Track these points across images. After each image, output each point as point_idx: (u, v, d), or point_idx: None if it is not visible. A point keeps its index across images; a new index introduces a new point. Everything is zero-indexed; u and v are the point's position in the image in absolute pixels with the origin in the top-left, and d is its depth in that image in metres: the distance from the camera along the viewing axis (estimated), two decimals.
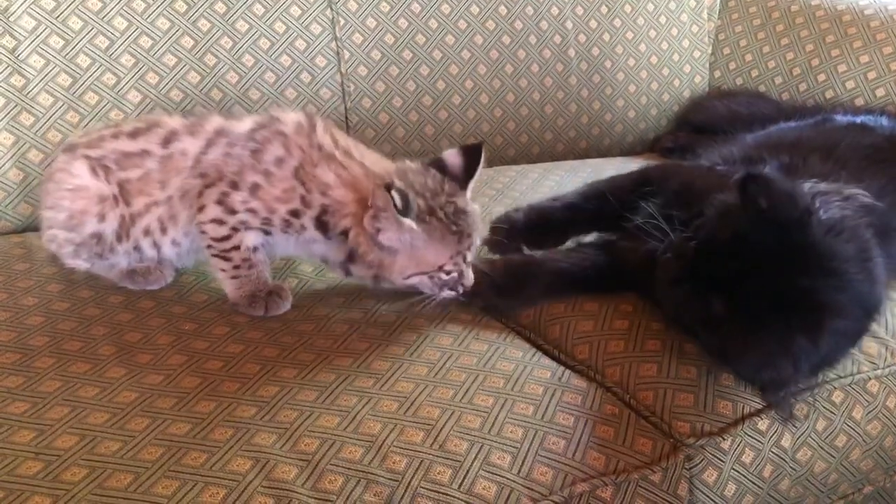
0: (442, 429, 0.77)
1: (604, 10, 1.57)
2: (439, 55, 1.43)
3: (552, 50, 1.52)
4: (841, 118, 1.26)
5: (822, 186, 0.89)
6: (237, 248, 0.95)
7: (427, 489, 0.72)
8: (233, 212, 0.93)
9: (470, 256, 0.92)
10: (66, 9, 1.18)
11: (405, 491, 0.71)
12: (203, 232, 0.95)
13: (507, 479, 0.74)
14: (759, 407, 0.86)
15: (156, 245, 0.98)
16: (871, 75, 1.50)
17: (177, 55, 1.24)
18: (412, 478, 0.72)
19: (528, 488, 0.74)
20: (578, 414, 0.82)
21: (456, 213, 0.90)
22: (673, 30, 1.64)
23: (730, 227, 0.83)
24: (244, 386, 0.81)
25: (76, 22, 1.19)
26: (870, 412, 0.92)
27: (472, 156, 0.93)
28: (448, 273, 0.92)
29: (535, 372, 0.87)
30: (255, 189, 0.93)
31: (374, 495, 0.70)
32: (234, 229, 0.94)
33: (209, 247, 0.96)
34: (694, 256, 0.84)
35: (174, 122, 0.97)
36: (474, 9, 1.45)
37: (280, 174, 0.93)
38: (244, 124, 0.96)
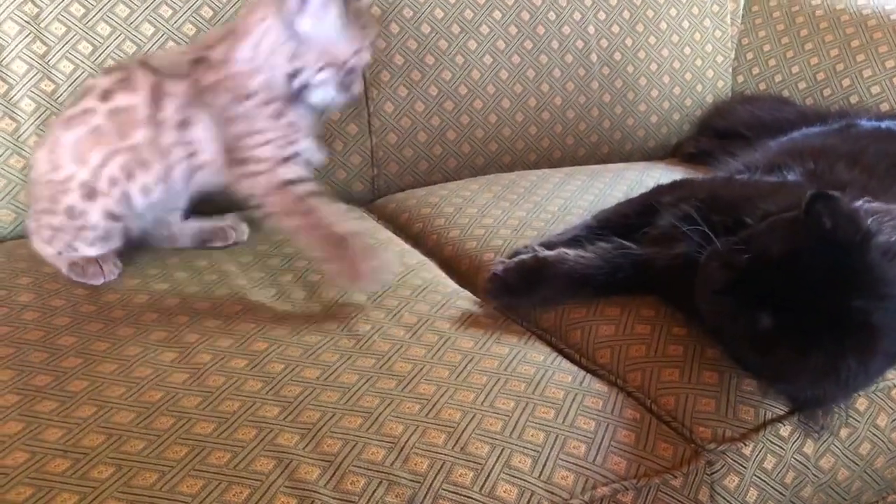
0: (463, 431, 0.78)
1: (626, 15, 1.57)
2: (462, 60, 1.43)
3: (574, 55, 1.53)
4: (866, 124, 1.25)
5: (875, 206, 0.89)
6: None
7: (449, 491, 0.72)
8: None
9: (366, 60, 1.01)
10: (94, 15, 1.20)
11: (427, 492, 0.72)
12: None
13: (529, 482, 0.74)
14: (781, 413, 0.85)
15: (125, 196, 1.00)
16: None
17: None
18: (434, 479, 0.73)
19: (549, 492, 0.74)
20: (599, 418, 0.82)
21: (359, 11, 0.98)
22: (696, 35, 1.64)
23: (785, 242, 0.83)
24: (267, 385, 0.82)
25: (104, 28, 1.21)
26: (894, 420, 0.91)
27: None
28: (351, 70, 0.98)
29: (557, 376, 0.87)
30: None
31: (396, 496, 0.71)
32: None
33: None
34: (743, 269, 0.83)
35: (101, 81, 1.00)
36: (496, 14, 1.46)
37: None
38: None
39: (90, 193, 0.99)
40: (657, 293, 0.98)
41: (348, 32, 0.96)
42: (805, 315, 0.79)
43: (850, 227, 0.81)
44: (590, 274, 0.98)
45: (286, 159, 0.97)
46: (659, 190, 1.13)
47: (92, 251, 1.02)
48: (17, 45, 1.16)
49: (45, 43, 1.18)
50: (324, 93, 0.99)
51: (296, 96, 0.97)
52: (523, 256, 1.01)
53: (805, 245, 0.81)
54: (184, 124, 0.98)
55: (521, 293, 0.99)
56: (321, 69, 0.96)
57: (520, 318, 1.02)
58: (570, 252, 0.99)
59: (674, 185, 1.14)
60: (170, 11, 1.24)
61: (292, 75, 0.96)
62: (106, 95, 0.98)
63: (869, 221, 0.82)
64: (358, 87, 1.01)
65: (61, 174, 0.99)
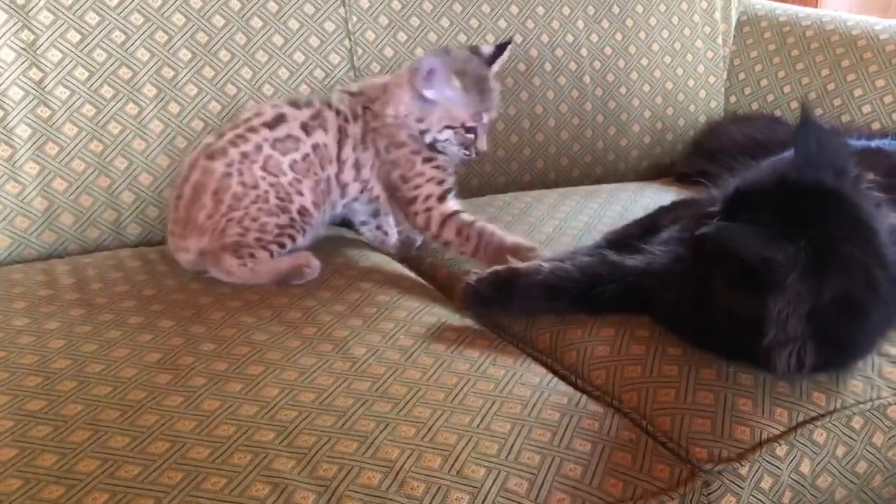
0: (459, 454, 0.78)
1: (618, 37, 1.58)
2: None
3: (567, 77, 1.54)
4: (855, 143, 1.26)
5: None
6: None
7: None
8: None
9: (486, 122, 1.14)
10: (91, 41, 1.21)
11: None
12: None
13: None
14: (777, 433, 0.85)
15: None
16: (888, 99, 1.50)
17: (198, 85, 1.27)
18: None
19: None
20: (595, 440, 0.82)
21: (480, 79, 1.12)
22: (688, 56, 1.65)
23: (776, 173, 0.88)
24: (262, 410, 0.82)
25: (101, 54, 1.22)
26: (890, 438, 0.91)
27: (500, 48, 1.17)
28: (468, 130, 1.12)
29: (552, 397, 0.87)
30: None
31: None
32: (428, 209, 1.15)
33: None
34: (736, 193, 0.87)
35: (291, 111, 1.12)
36: (490, 37, 1.47)
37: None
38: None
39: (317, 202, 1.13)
40: (641, 308, 0.98)
41: (467, 99, 1.11)
42: (777, 231, 0.81)
43: (834, 155, 0.84)
44: (564, 286, 0.99)
45: (444, 194, 1.15)
46: (661, 209, 1.15)
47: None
48: (13, 72, 1.17)
49: (41, 69, 1.19)
50: (447, 148, 1.14)
51: (432, 148, 1.14)
52: (497, 267, 1.02)
53: (791, 170, 0.85)
54: (357, 164, 1.14)
55: (495, 303, 1.01)
56: (443, 129, 1.11)
57: (515, 340, 1.03)
58: (546, 264, 1.00)
59: (675, 204, 1.15)
60: (165, 37, 1.25)
61: (422, 132, 1.12)
62: (307, 129, 1.11)
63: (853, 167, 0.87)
64: (482, 145, 1.14)
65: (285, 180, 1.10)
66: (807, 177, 0.86)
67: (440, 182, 1.15)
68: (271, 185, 1.08)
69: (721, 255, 0.84)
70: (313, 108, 1.12)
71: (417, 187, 1.14)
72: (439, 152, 1.14)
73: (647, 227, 1.11)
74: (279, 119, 1.10)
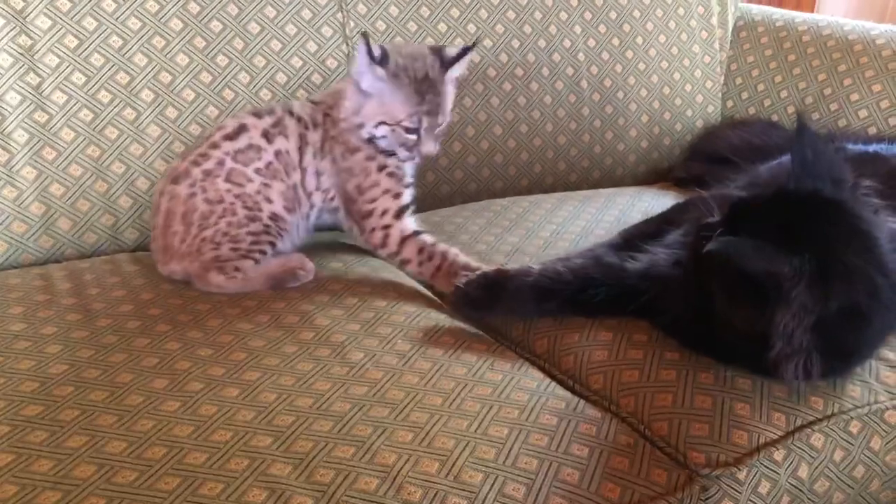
0: (457, 460, 0.77)
1: (615, 42, 1.59)
2: None
3: (564, 81, 1.54)
4: (853, 147, 1.26)
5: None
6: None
7: None
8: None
9: (427, 124, 1.07)
10: (88, 46, 1.21)
11: None
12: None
13: None
14: (775, 437, 0.85)
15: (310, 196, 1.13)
16: (884, 104, 1.50)
17: (196, 90, 1.27)
18: None
19: None
20: (593, 445, 0.82)
21: (424, 80, 1.06)
22: (685, 60, 1.66)
23: (775, 183, 0.90)
24: (260, 415, 0.82)
25: (98, 59, 1.22)
26: (888, 443, 0.91)
27: (464, 50, 1.11)
28: (407, 130, 1.07)
29: (550, 402, 0.87)
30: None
31: None
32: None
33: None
34: (736, 207, 0.88)
35: (252, 120, 1.10)
36: (487, 42, 1.47)
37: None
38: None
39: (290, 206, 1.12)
40: (636, 311, 0.98)
41: (402, 96, 1.06)
42: (777, 239, 0.81)
43: (829, 164, 0.85)
44: (555, 288, 0.99)
45: (401, 211, 1.11)
46: (674, 208, 1.15)
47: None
48: (10, 77, 1.17)
49: (38, 74, 1.19)
50: (386, 145, 1.09)
51: (373, 146, 1.09)
52: (486, 269, 1.02)
53: (789, 180, 0.86)
54: (317, 173, 1.11)
55: (484, 305, 1.01)
56: (378, 125, 1.07)
57: (513, 344, 1.03)
58: (537, 266, 1.00)
59: (688, 203, 1.16)
60: (163, 42, 1.25)
61: (359, 126, 1.08)
62: (268, 136, 1.09)
63: (849, 176, 0.88)
64: (426, 148, 1.08)
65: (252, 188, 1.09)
66: (805, 187, 0.86)
67: (396, 196, 1.11)
68: (237, 196, 1.07)
69: (725, 269, 0.84)
70: (275, 115, 1.11)
71: (373, 200, 1.11)
72: (391, 154, 1.10)
73: (660, 226, 1.11)
74: (240, 130, 1.10)
